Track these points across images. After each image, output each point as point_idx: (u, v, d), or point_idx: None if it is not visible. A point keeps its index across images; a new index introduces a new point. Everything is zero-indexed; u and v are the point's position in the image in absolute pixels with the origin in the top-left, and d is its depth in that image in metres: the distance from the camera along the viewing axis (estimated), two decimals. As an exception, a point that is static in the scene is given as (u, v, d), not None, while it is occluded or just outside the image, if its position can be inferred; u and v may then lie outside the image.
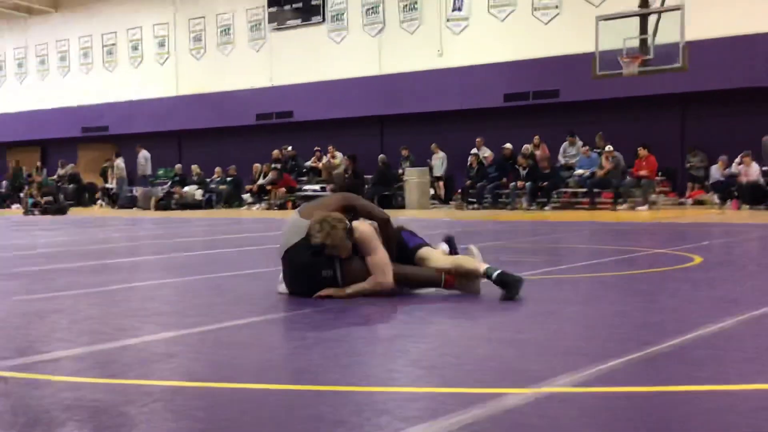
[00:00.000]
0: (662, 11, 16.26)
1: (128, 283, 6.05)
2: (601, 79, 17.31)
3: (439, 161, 21.98)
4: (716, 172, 17.71)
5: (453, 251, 5.49)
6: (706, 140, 19.27)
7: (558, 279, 5.92)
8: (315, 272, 4.80)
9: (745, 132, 18.33)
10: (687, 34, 15.68)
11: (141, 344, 3.70)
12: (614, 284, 5.70)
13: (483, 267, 4.91)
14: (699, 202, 18.47)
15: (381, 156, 21.78)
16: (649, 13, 16.31)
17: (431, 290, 5.02)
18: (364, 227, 4.91)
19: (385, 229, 5.05)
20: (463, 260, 5.09)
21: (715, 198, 17.45)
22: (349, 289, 4.81)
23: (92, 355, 3.49)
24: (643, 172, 17.58)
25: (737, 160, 17.33)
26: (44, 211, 22.12)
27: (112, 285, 5.88)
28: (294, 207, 21.31)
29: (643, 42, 16.30)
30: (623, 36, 16.41)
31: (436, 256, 5.12)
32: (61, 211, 22.08)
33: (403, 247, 5.12)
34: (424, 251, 5.11)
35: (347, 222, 4.80)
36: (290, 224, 4.96)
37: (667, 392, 2.74)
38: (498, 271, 4.81)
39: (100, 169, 28.32)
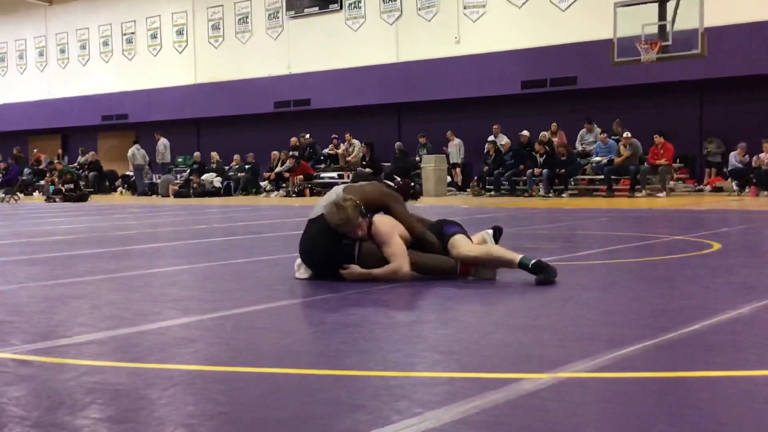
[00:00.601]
0: (681, -3, 16.12)
1: (148, 269, 6.10)
2: (619, 65, 17.20)
3: (455, 149, 21.97)
4: (734, 158, 17.58)
5: (496, 241, 5.47)
6: (724, 127, 19.13)
7: (575, 265, 5.91)
8: (335, 238, 4.93)
9: (764, 119, 18.19)
10: (705, 20, 15.55)
11: (161, 329, 3.74)
12: (632, 270, 5.69)
13: (518, 257, 4.93)
14: (717, 189, 18.35)
15: (398, 144, 21.77)
16: (668, 0, 16.18)
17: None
18: (381, 219, 5.00)
19: (414, 236, 5.10)
20: (496, 250, 5.10)
21: (734, 185, 17.33)
22: (366, 272, 4.89)
23: (114, 339, 3.53)
24: (660, 161, 17.49)
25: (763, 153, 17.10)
26: (65, 198, 22.30)
27: (133, 271, 5.94)
28: (312, 194, 21.40)
29: (662, 28, 16.18)
30: (641, 22, 16.30)
31: (467, 244, 5.12)
32: (82, 198, 22.24)
33: (440, 235, 5.15)
34: (456, 239, 5.11)
35: (358, 202, 4.89)
36: (332, 197, 5.08)
37: (685, 378, 2.74)
38: (534, 260, 4.89)
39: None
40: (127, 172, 26.96)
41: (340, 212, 4.84)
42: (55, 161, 27.89)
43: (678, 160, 18.84)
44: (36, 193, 27.43)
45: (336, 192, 5.17)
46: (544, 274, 4.81)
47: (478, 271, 5.03)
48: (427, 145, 22.01)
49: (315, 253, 5.04)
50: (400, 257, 4.91)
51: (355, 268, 4.91)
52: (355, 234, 4.92)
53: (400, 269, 4.90)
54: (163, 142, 26.01)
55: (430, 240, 5.08)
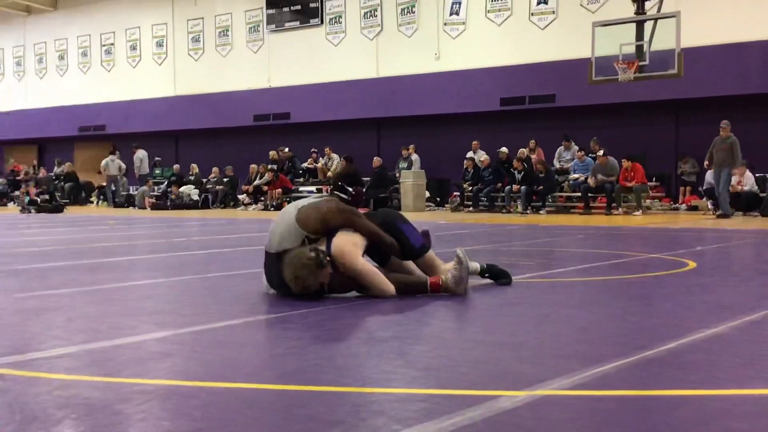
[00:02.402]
0: (658, 18, 16.32)
1: (124, 282, 6.05)
2: (597, 84, 17.36)
3: (406, 164, 21.71)
4: (710, 177, 17.75)
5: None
6: (700, 146, 19.30)
7: (552, 282, 5.93)
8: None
9: (739, 139, 18.39)
10: (682, 40, 15.75)
11: (137, 343, 3.71)
12: (608, 288, 5.72)
13: (477, 266, 5.24)
14: (692, 208, 18.52)
15: (376, 158, 21.79)
16: (645, 20, 16.38)
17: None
18: (342, 249, 4.82)
19: (387, 248, 5.07)
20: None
21: (709, 204, 17.50)
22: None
23: (88, 353, 3.49)
24: (630, 183, 17.60)
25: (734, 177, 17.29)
26: (40, 210, 22.10)
27: (108, 283, 5.88)
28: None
29: (639, 48, 16.37)
30: (619, 42, 16.48)
31: (439, 260, 5.20)
32: (57, 209, 22.06)
33: (409, 247, 5.12)
34: (430, 256, 5.18)
35: (321, 256, 4.67)
36: (285, 226, 4.93)
37: (661, 396, 2.75)
38: (486, 265, 5.37)
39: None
40: (103, 183, 26.79)
41: (304, 271, 4.65)
42: (35, 170, 27.69)
43: (654, 179, 19.00)
44: (11, 204, 27.16)
45: (289, 214, 4.97)
46: (501, 278, 5.45)
47: (448, 287, 5.00)
48: (409, 158, 22.03)
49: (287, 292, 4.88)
50: (382, 283, 4.86)
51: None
52: (317, 285, 4.75)
53: (384, 293, 4.87)
54: (139, 155, 25.89)
55: (396, 248, 5.08)
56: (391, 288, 4.87)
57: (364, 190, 20.88)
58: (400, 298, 4.92)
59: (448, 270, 5.07)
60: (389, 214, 5.36)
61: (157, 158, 26.15)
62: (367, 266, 4.88)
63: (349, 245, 4.85)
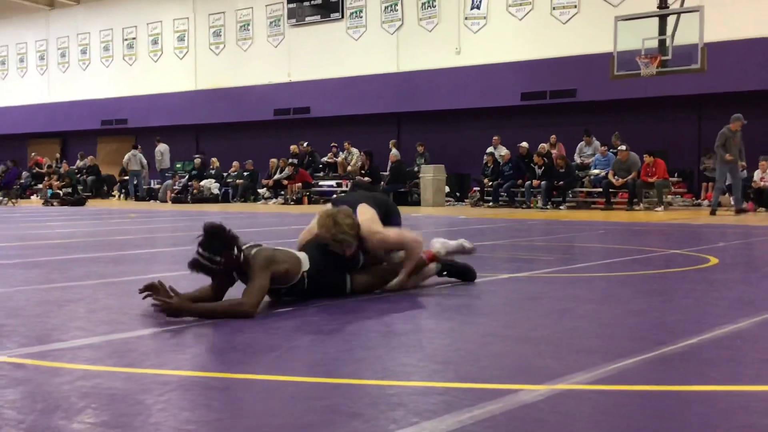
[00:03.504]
0: (681, 12, 16.18)
1: (145, 274, 6.08)
2: (619, 79, 17.24)
3: (423, 160, 21.65)
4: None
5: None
6: (723, 142, 19.13)
7: (573, 277, 5.91)
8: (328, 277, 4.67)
9: (763, 134, 18.22)
10: (706, 35, 15.59)
11: (157, 334, 3.73)
12: (629, 283, 5.69)
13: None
14: (715, 204, 18.33)
15: (394, 152, 21.76)
16: (668, 14, 16.24)
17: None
18: (369, 228, 4.74)
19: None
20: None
21: (731, 200, 17.33)
22: (404, 275, 4.85)
23: (109, 344, 3.52)
24: (652, 179, 17.46)
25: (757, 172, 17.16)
26: (63, 202, 22.27)
27: (129, 276, 5.92)
28: (310, 202, 21.39)
29: (662, 42, 16.22)
30: (642, 36, 16.34)
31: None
32: (80, 202, 22.22)
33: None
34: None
35: (356, 221, 4.65)
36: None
37: (682, 392, 2.74)
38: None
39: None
40: (126, 177, 26.95)
41: (336, 229, 4.56)
42: (58, 163, 27.90)
43: (676, 175, 18.86)
44: (34, 197, 27.40)
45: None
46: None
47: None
48: (425, 154, 22.02)
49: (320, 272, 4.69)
50: (411, 240, 4.83)
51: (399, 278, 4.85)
52: (342, 251, 4.63)
53: (418, 248, 4.86)
54: (161, 149, 26.03)
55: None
56: (419, 238, 4.87)
57: (382, 184, 20.89)
58: (418, 291, 4.92)
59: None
60: (384, 201, 5.34)
61: (197, 155, 25.88)
62: (395, 230, 4.89)
63: (376, 223, 4.81)
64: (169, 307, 3.97)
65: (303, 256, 4.58)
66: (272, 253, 4.37)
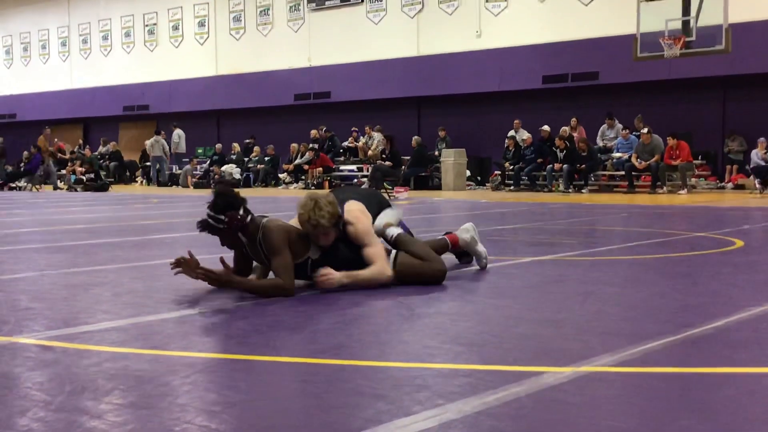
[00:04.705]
0: (706, -8, 15.97)
1: (168, 258, 6.11)
2: (642, 61, 17.08)
3: (444, 144, 21.55)
4: (756, 156, 17.42)
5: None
6: (747, 124, 18.95)
7: (596, 260, 5.88)
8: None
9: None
10: (730, 16, 15.40)
11: (182, 317, 3.76)
12: (653, 266, 5.66)
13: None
14: (739, 187, 18.19)
15: (416, 137, 21.73)
16: (693, -6, 16.05)
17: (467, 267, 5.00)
18: (357, 216, 4.55)
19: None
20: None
21: (756, 183, 17.18)
22: (345, 277, 4.38)
23: (135, 326, 3.55)
24: (676, 161, 17.31)
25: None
26: (86, 188, 22.43)
27: (153, 260, 5.96)
28: (331, 186, 21.41)
29: (686, 24, 16.05)
30: (665, 17, 16.17)
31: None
32: (103, 188, 22.38)
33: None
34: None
35: (338, 210, 4.41)
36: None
37: (708, 374, 2.72)
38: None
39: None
40: (147, 162, 27.08)
41: (315, 212, 4.31)
42: (81, 149, 28.07)
43: (699, 158, 18.69)
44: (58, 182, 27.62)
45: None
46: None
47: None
48: (446, 138, 21.95)
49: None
50: (383, 259, 4.49)
51: (335, 273, 4.33)
52: (318, 240, 4.42)
53: (385, 271, 4.47)
54: (177, 133, 26.14)
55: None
56: (389, 271, 4.49)
57: (404, 168, 20.86)
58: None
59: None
60: (373, 195, 5.16)
61: (248, 140, 25.76)
62: (377, 240, 4.61)
63: (364, 214, 4.63)
64: (218, 278, 4.18)
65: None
66: (287, 227, 4.37)
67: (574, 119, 20.13)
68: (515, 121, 21.12)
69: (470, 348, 3.10)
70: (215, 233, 4.33)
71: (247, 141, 25.56)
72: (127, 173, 28.31)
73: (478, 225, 5.36)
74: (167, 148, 25.90)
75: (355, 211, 4.60)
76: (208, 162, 25.13)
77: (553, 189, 18.75)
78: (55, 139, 31.00)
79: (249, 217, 4.30)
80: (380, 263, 4.47)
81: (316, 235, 4.39)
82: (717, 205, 13.22)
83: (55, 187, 22.77)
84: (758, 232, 8.55)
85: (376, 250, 4.50)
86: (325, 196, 4.45)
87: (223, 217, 4.22)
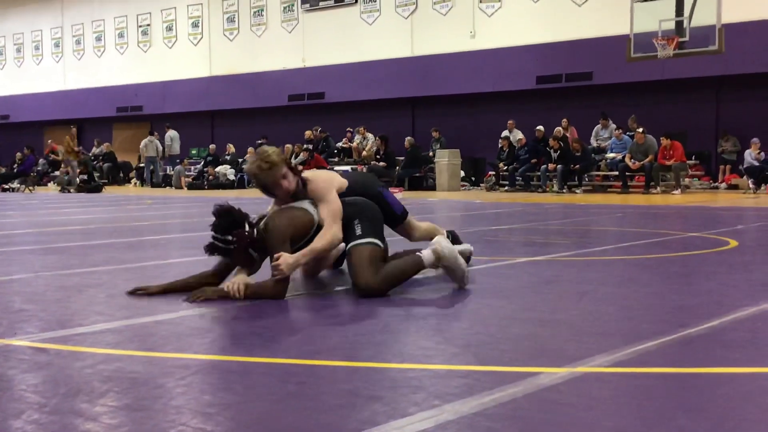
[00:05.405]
0: (699, -7, 16.02)
1: (163, 260, 6.12)
2: (636, 61, 17.11)
3: (438, 145, 21.57)
4: (750, 156, 17.47)
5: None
6: (740, 124, 19.00)
7: (591, 261, 5.89)
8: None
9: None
10: (723, 16, 15.45)
11: (177, 319, 3.75)
12: (648, 266, 5.66)
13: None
14: (733, 187, 18.24)
15: (409, 138, 21.73)
16: (686, -5, 16.08)
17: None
18: (314, 173, 4.53)
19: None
20: (433, 228, 5.21)
21: (749, 183, 17.23)
22: (301, 257, 4.23)
23: (130, 328, 3.54)
24: (669, 161, 17.34)
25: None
26: (79, 189, 22.38)
27: (148, 261, 5.95)
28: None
29: (679, 24, 16.09)
30: (658, 18, 16.21)
31: (417, 223, 5.13)
32: (96, 189, 22.32)
33: (390, 212, 4.84)
34: (409, 221, 5.05)
35: (285, 157, 4.41)
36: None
37: (704, 374, 2.72)
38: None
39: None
40: (141, 164, 27.02)
41: (262, 160, 4.33)
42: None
43: (693, 158, 18.74)
44: (50, 184, 27.55)
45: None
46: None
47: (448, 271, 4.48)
48: (440, 139, 21.96)
49: None
50: (336, 219, 4.31)
51: (287, 256, 4.13)
52: (280, 188, 4.36)
53: (337, 234, 4.30)
54: (170, 135, 26.09)
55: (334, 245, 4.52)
56: (340, 234, 4.33)
57: (398, 169, 20.87)
58: (435, 275, 4.90)
59: (429, 234, 4.99)
60: (368, 177, 5.20)
61: (260, 140, 25.59)
62: (337, 198, 4.41)
63: (324, 173, 4.59)
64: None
65: (311, 209, 4.42)
66: (283, 223, 4.28)
67: (564, 120, 20.15)
68: (509, 122, 21.14)
69: (466, 349, 3.10)
70: (226, 255, 4.22)
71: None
72: (121, 174, 28.25)
73: (473, 225, 5.36)
74: (161, 148, 25.86)
75: (313, 171, 4.58)
76: (202, 163, 25.09)
77: (548, 189, 18.77)
78: (49, 141, 30.96)
79: (254, 231, 4.21)
80: (331, 227, 4.28)
81: (275, 183, 4.33)
82: (711, 205, 13.25)
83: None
84: (752, 232, 8.57)
85: (330, 209, 4.32)
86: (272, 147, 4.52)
87: (230, 237, 4.14)
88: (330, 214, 4.32)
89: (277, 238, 4.21)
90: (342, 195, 4.50)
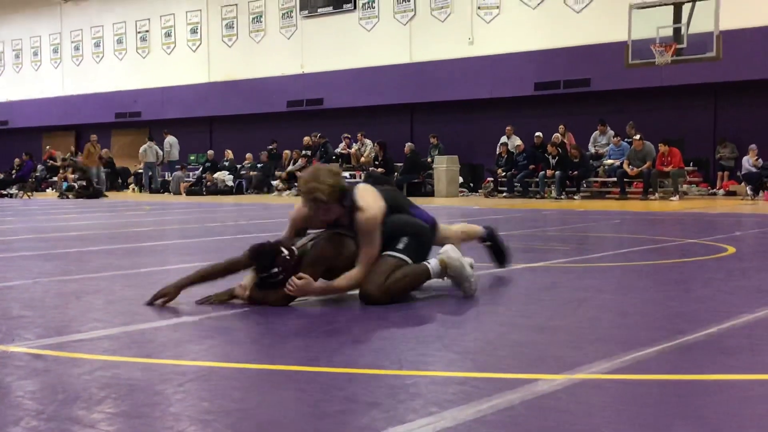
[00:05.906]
0: (696, 0, 16.05)
1: (161, 266, 6.11)
2: (634, 68, 17.14)
3: (437, 151, 21.59)
4: (747, 162, 17.50)
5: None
6: (738, 131, 19.02)
7: (589, 267, 5.89)
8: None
9: (780, 122, 18.10)
10: (721, 23, 15.48)
11: (175, 325, 3.74)
12: (646, 273, 5.67)
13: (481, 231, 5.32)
14: (731, 193, 18.25)
15: (409, 144, 21.75)
16: (683, 2, 16.12)
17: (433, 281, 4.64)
18: (368, 204, 4.21)
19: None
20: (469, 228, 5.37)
21: (747, 189, 17.24)
22: (322, 291, 4.24)
23: (127, 335, 3.53)
24: (667, 168, 17.36)
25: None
26: (78, 195, 22.37)
27: (146, 267, 5.95)
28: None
29: (677, 31, 16.12)
30: (656, 25, 16.24)
31: (451, 229, 5.22)
32: (95, 195, 22.31)
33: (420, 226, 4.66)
34: (442, 228, 5.03)
35: (342, 182, 4.21)
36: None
37: (701, 381, 2.73)
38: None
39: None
40: (139, 170, 27.01)
41: (317, 183, 4.12)
42: (73, 156, 27.98)
43: (691, 164, 18.76)
44: (49, 190, 27.53)
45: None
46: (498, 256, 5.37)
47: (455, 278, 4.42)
48: (438, 145, 21.97)
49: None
50: (369, 265, 4.18)
51: (310, 281, 4.10)
52: (318, 216, 4.23)
53: (360, 280, 4.18)
54: (169, 141, 26.10)
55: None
56: (362, 281, 4.20)
57: (396, 175, 20.87)
58: (433, 282, 4.89)
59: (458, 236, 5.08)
60: (399, 196, 4.94)
61: (270, 146, 25.31)
62: (378, 248, 4.24)
63: (377, 202, 4.26)
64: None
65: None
66: (330, 253, 4.22)
67: (561, 126, 20.16)
68: (507, 128, 21.15)
69: (464, 355, 3.10)
70: (279, 286, 4.12)
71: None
72: (119, 180, 28.24)
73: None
74: (161, 154, 25.86)
75: (368, 196, 4.23)
76: (201, 169, 25.09)
77: (546, 195, 18.78)
78: (47, 147, 30.95)
79: (295, 252, 4.15)
80: (361, 271, 4.16)
81: (316, 209, 4.18)
82: (709, 211, 13.26)
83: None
84: (750, 239, 8.58)
85: (370, 253, 4.17)
86: (330, 168, 4.29)
87: (276, 270, 4.09)
88: (366, 257, 4.18)
89: (315, 261, 4.17)
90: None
